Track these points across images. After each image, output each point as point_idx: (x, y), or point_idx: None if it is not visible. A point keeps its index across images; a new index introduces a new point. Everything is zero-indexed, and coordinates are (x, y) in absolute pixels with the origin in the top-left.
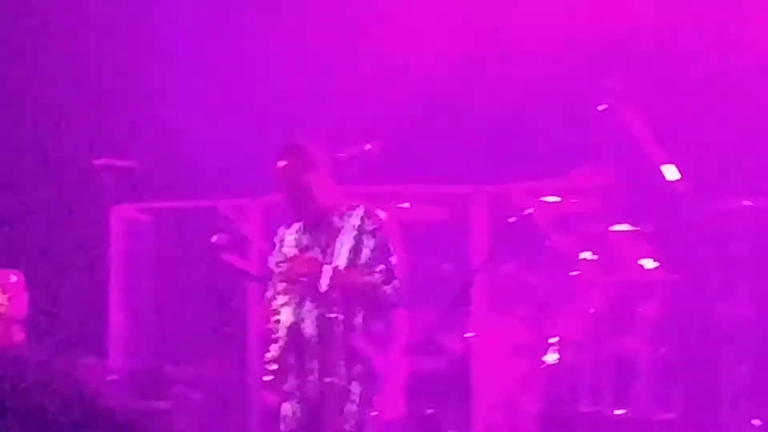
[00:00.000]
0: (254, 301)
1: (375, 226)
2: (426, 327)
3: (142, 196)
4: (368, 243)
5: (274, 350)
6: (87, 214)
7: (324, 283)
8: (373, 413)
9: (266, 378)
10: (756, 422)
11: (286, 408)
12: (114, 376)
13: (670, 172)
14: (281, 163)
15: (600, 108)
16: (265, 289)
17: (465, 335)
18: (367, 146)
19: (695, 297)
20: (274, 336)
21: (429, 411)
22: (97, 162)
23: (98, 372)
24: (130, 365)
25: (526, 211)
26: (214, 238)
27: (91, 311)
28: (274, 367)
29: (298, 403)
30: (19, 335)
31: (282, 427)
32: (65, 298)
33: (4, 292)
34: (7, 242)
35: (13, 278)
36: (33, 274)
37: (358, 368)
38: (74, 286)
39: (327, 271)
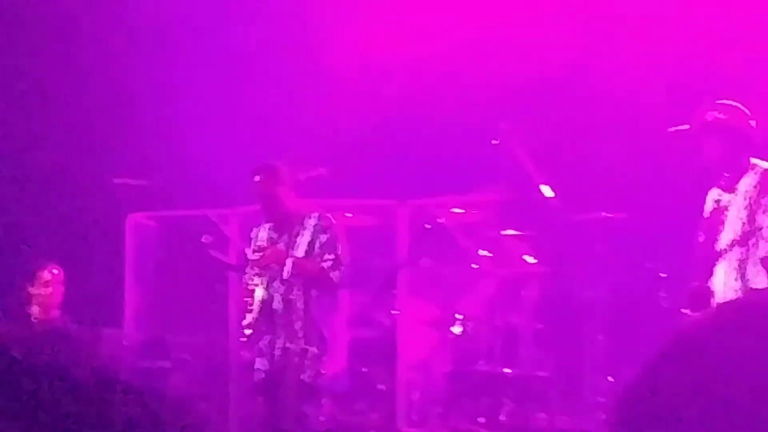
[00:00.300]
0: (233, 284)
1: (326, 226)
2: (362, 305)
3: (150, 206)
4: (321, 239)
5: (249, 319)
6: (108, 220)
7: (287, 270)
8: (323, 369)
9: (243, 339)
10: (610, 379)
11: (258, 362)
12: (127, 343)
13: (547, 191)
14: (256, 179)
15: (494, 142)
16: (242, 276)
17: (392, 312)
18: (320, 170)
19: (564, 284)
20: (249, 308)
21: (364, 369)
22: (117, 180)
23: (116, 339)
24: (139, 335)
25: (439, 220)
26: (203, 238)
27: (112, 295)
28: (249, 331)
29: (268, 359)
30: (56, 314)
31: (255, 376)
32: (93, 284)
33: (48, 286)
34: (49, 242)
35: (55, 272)
36: (68, 267)
37: (313, 334)
38: (99, 276)
39: (290, 261)
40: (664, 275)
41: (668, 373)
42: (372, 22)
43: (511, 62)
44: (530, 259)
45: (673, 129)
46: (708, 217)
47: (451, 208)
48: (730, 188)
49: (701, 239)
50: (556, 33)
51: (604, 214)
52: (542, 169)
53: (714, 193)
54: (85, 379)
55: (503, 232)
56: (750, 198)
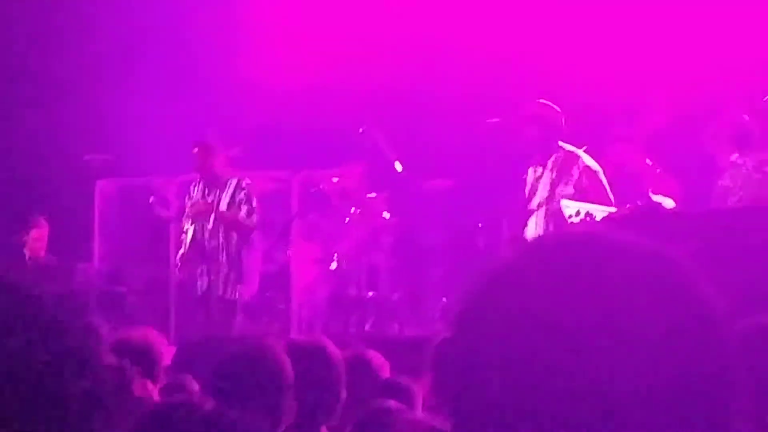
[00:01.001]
0: (173, 231)
1: (243, 186)
2: (266, 248)
3: (112, 174)
4: (239, 195)
5: (181, 251)
6: (79, 186)
7: (212, 217)
8: (239, 292)
9: (177, 266)
10: (444, 299)
11: (198, 283)
12: (95, 273)
13: (398, 166)
14: (195, 150)
15: (360, 131)
16: (179, 225)
17: (287, 252)
18: (236, 149)
19: (411, 232)
20: (182, 244)
21: (268, 294)
22: (87, 156)
23: (87, 270)
24: (104, 267)
25: (321, 186)
26: (150, 199)
27: (85, 239)
28: (182, 259)
29: (198, 282)
30: (43, 254)
31: (197, 293)
32: (71, 232)
33: (37, 233)
34: (39, 201)
35: (42, 222)
36: (54, 220)
37: (233, 266)
38: (76, 225)
39: (215, 212)
40: (481, 225)
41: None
42: (274, 33)
43: (374, 71)
44: (387, 215)
45: (489, 121)
46: (528, 187)
47: (330, 177)
48: (543, 164)
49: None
50: (402, 49)
51: (439, 181)
52: (395, 150)
53: (531, 170)
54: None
55: (368, 195)
56: (554, 171)
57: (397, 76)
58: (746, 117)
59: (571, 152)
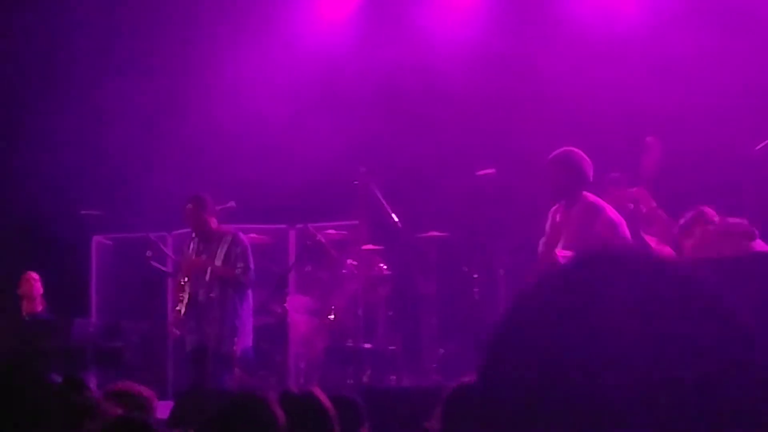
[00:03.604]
0: (170, 286)
1: (239, 242)
2: (262, 299)
3: (108, 230)
4: (235, 251)
5: (180, 307)
6: (78, 240)
7: (208, 273)
8: (235, 346)
9: (175, 321)
10: (441, 350)
11: (188, 340)
12: (92, 328)
13: (394, 218)
14: (189, 206)
15: (355, 183)
16: (176, 280)
17: (283, 304)
18: (231, 203)
19: (407, 283)
20: (181, 300)
21: (264, 346)
22: (84, 212)
23: (84, 326)
24: (101, 321)
25: (317, 238)
26: (147, 253)
27: (81, 294)
28: (178, 314)
29: (195, 338)
30: (39, 308)
31: (187, 348)
32: (68, 287)
33: (31, 287)
34: (35, 256)
35: (35, 276)
36: (51, 275)
37: (227, 321)
38: (73, 280)
39: (211, 267)
40: (476, 276)
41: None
42: (270, 85)
43: (369, 124)
44: (383, 266)
45: (480, 173)
46: (548, 230)
47: (326, 230)
48: (565, 212)
49: (542, 246)
50: (396, 103)
51: (434, 233)
52: (390, 202)
53: (553, 212)
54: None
55: (364, 247)
56: (576, 221)
57: (392, 128)
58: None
59: (594, 203)
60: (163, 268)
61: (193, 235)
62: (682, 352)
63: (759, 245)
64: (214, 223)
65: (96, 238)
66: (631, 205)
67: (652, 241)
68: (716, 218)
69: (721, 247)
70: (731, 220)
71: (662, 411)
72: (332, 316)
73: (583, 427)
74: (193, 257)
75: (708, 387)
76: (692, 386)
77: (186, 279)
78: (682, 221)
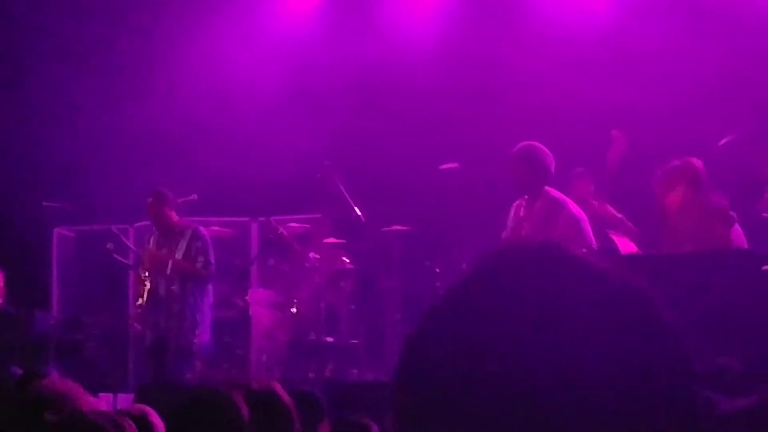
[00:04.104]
0: (131, 278)
1: (199, 236)
2: (225, 292)
3: (69, 222)
4: (195, 245)
5: (140, 301)
6: (37, 233)
7: (169, 267)
8: (195, 339)
9: (136, 315)
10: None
11: (148, 334)
12: (53, 321)
13: (358, 212)
14: (149, 200)
15: (318, 176)
16: (136, 272)
17: (246, 297)
18: (193, 195)
19: (370, 277)
20: (142, 294)
21: (226, 339)
22: (45, 203)
23: (47, 318)
24: (63, 314)
25: (280, 231)
26: (108, 245)
27: (43, 287)
28: (139, 309)
29: (154, 331)
30: (0, 300)
31: (147, 342)
32: (29, 279)
33: None
34: None
35: None
36: (11, 267)
37: (187, 314)
38: (34, 272)
39: (171, 261)
40: (438, 270)
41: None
42: (233, 79)
43: (333, 117)
44: (346, 260)
45: (443, 167)
46: (511, 224)
47: (288, 223)
48: (528, 206)
49: (503, 239)
50: (359, 96)
51: (397, 227)
52: (354, 195)
53: (516, 206)
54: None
55: (327, 240)
56: (538, 215)
57: (357, 122)
58: (696, 161)
59: (557, 198)
60: (125, 261)
61: (153, 229)
62: (587, 345)
63: (736, 232)
64: (174, 217)
65: (57, 230)
66: (596, 202)
67: (617, 239)
68: (702, 175)
69: (698, 224)
70: (715, 201)
71: (572, 406)
72: (295, 310)
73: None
74: (154, 251)
75: (619, 379)
76: (598, 380)
77: (147, 273)
78: (667, 167)
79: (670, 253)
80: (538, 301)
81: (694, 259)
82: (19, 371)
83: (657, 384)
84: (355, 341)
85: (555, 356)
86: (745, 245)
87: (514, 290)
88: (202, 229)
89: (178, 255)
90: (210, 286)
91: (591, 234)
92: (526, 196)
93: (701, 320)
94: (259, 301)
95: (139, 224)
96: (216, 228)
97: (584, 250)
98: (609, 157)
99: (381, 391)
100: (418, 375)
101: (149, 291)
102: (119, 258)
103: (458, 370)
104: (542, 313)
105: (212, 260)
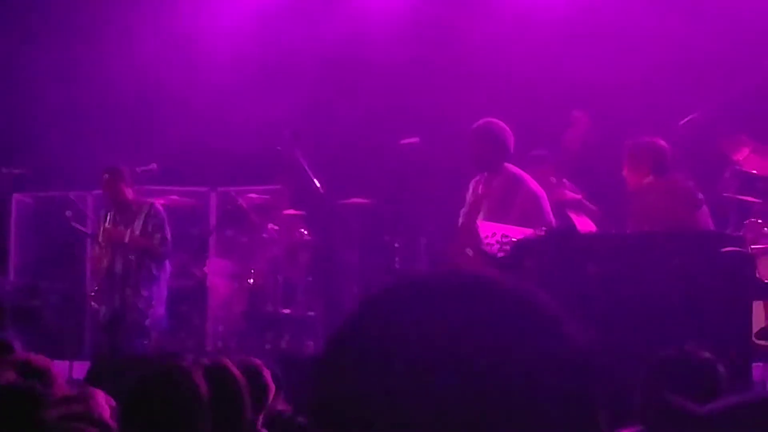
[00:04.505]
0: (88, 248)
1: (156, 213)
2: (183, 262)
3: (28, 188)
4: (152, 222)
5: (98, 280)
6: None
7: (126, 245)
8: (150, 313)
9: (92, 295)
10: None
11: (103, 309)
12: (10, 288)
13: (317, 183)
14: (105, 177)
15: (278, 148)
16: (93, 244)
17: (203, 267)
18: (152, 165)
19: (328, 250)
20: (97, 271)
21: (183, 309)
22: (3, 169)
23: (3, 283)
24: (20, 281)
25: (239, 203)
26: (67, 213)
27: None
28: (96, 288)
29: (109, 307)
30: None
31: (99, 318)
32: None
33: None
34: None
35: None
36: None
37: (143, 290)
38: None
39: (128, 238)
40: (397, 245)
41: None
42: (194, 46)
43: (294, 88)
44: (304, 232)
45: (404, 141)
46: (469, 200)
47: (248, 194)
48: (486, 182)
49: (462, 216)
50: (321, 67)
51: (356, 200)
52: (314, 168)
53: (475, 182)
54: None
55: (285, 212)
56: (497, 191)
57: (318, 94)
58: (661, 141)
59: (516, 174)
60: (83, 229)
61: (110, 205)
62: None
63: (703, 213)
64: (130, 193)
65: (16, 196)
66: (554, 179)
67: (576, 217)
68: (668, 155)
69: (663, 205)
70: (681, 182)
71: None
72: (252, 281)
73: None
74: (111, 229)
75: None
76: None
77: (103, 249)
78: (632, 144)
79: (631, 232)
80: (443, 318)
81: (654, 239)
82: None
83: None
84: (312, 313)
85: (459, 368)
86: (712, 227)
87: (423, 309)
88: (158, 205)
89: (135, 231)
90: (167, 263)
91: (550, 211)
92: (486, 173)
93: (662, 302)
94: (216, 272)
95: (97, 192)
96: (175, 197)
97: (543, 228)
98: (569, 137)
99: None
100: (335, 376)
101: (106, 268)
102: (77, 226)
103: (371, 371)
104: (450, 329)
105: (169, 236)
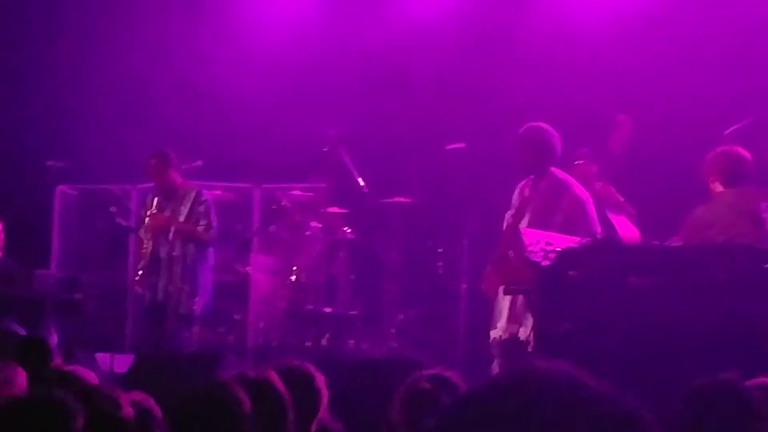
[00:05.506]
0: (132, 241)
1: (202, 200)
2: (227, 257)
3: (72, 181)
4: (198, 209)
5: (141, 264)
6: (42, 190)
7: (171, 231)
8: (194, 304)
9: (136, 279)
10: (400, 317)
11: (147, 297)
12: (52, 280)
13: (361, 182)
14: (152, 161)
15: (324, 150)
16: (138, 235)
17: (247, 264)
18: (199, 162)
19: (370, 248)
20: (143, 257)
21: (225, 304)
22: (48, 162)
23: (46, 276)
24: (63, 273)
25: (282, 199)
26: (112, 208)
27: (42, 245)
28: (140, 272)
29: (153, 295)
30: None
31: (146, 305)
32: (30, 237)
33: None
34: None
35: None
36: (12, 224)
37: (187, 278)
38: (34, 230)
39: (174, 224)
40: (441, 251)
41: None
42: (242, 44)
43: (341, 87)
44: (347, 230)
45: (450, 147)
46: (515, 204)
47: (291, 191)
48: (533, 186)
49: (507, 219)
50: (369, 67)
51: (399, 199)
52: (358, 167)
53: (521, 187)
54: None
55: (329, 209)
56: (543, 197)
57: (366, 96)
58: (734, 150)
59: (562, 179)
60: (127, 224)
61: (156, 191)
62: None
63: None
64: (177, 179)
65: (60, 188)
66: (599, 184)
67: (616, 221)
68: (734, 165)
69: (727, 219)
70: (749, 197)
71: None
72: (294, 278)
73: None
74: (157, 214)
75: None
76: None
77: (149, 235)
78: (707, 156)
79: (679, 246)
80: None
81: (703, 253)
82: (20, 330)
83: None
84: (353, 312)
85: None
86: None
87: (529, 406)
88: (205, 192)
89: (181, 218)
90: (211, 250)
91: (595, 218)
92: (532, 177)
93: (705, 320)
94: (258, 268)
95: (142, 186)
96: (218, 192)
97: (588, 237)
98: (613, 140)
99: (381, 368)
100: None
101: (150, 253)
102: (122, 221)
103: None
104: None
105: (214, 224)
